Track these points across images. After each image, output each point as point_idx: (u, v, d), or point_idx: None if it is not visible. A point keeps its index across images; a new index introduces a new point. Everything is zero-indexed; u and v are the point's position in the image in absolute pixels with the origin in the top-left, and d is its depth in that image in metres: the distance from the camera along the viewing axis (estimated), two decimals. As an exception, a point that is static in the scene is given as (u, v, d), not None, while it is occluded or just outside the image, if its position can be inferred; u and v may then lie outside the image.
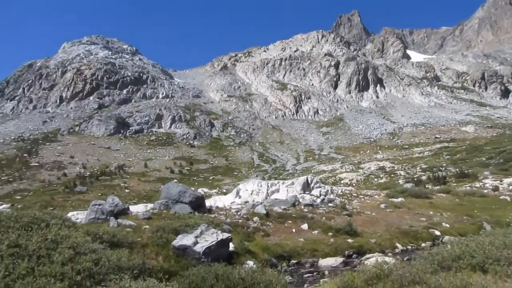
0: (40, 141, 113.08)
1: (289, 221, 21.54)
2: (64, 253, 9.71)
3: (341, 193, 34.54)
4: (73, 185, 70.69)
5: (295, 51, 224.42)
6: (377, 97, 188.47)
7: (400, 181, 57.11)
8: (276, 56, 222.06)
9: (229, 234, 14.59)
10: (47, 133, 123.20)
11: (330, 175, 74.33)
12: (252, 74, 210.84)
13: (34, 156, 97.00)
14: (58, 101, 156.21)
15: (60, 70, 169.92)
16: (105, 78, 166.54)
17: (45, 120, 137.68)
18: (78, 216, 17.95)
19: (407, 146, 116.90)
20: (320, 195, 30.02)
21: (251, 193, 31.56)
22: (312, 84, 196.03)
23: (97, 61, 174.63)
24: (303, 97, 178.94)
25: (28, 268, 8.80)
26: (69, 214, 17.46)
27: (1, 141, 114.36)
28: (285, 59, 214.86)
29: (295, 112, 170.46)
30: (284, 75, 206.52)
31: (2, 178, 76.67)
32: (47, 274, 8.75)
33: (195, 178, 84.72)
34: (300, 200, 27.09)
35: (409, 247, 20.44)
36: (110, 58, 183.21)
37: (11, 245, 9.50)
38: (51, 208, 35.02)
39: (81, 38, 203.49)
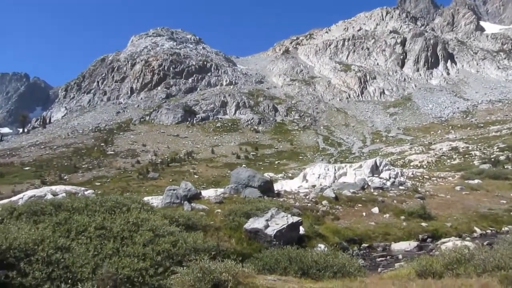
0: (114, 131, 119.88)
1: (359, 205, 21.20)
2: (145, 235, 10.28)
3: (411, 176, 33.33)
4: (146, 171, 74.29)
5: (358, 31, 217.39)
6: (448, 73, 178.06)
7: (476, 162, 53.93)
8: (338, 36, 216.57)
9: (299, 218, 14.65)
10: (120, 123, 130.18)
11: (399, 157, 71.89)
12: (314, 56, 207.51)
13: (110, 145, 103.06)
14: (129, 92, 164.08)
15: (129, 62, 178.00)
16: (171, 68, 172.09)
17: (118, 111, 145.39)
18: (153, 201, 18.81)
19: (482, 125, 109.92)
20: (390, 178, 29.12)
21: (318, 177, 31.34)
22: (377, 64, 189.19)
23: (163, 52, 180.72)
24: (368, 77, 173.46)
25: (113, 248, 9.42)
26: (145, 199, 18.34)
27: (81, 131, 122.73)
28: (348, 39, 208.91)
29: (360, 93, 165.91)
30: (348, 56, 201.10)
31: (83, 166, 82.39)
32: (130, 254, 9.32)
33: (260, 163, 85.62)
34: (369, 183, 26.50)
35: (488, 231, 19.34)
36: (175, 49, 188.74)
37: (97, 227, 10.22)
38: (128, 194, 37.15)
39: (148, 31, 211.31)
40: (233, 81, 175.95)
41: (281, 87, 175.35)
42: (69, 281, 7.86)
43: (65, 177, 72.72)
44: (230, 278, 7.41)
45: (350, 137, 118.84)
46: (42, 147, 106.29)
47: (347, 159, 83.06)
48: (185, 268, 8.03)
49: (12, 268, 7.95)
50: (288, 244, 11.33)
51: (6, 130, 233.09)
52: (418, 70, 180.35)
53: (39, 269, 7.97)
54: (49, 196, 14.13)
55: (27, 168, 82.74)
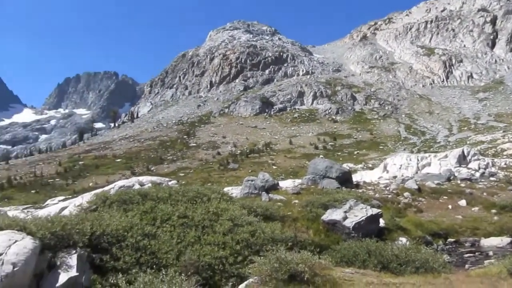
0: (196, 124, 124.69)
1: (444, 197, 20.08)
2: (224, 224, 10.64)
3: (504, 166, 30.79)
4: (226, 162, 76.39)
5: (442, 11, 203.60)
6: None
7: None
8: (420, 19, 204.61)
9: (379, 210, 14.23)
10: (201, 116, 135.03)
11: (490, 146, 66.56)
12: (394, 41, 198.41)
13: (192, 137, 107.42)
14: (208, 86, 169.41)
15: (208, 57, 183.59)
16: (248, 61, 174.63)
17: (199, 104, 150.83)
18: (233, 191, 19.34)
19: None
20: (479, 168, 27.20)
21: (400, 168, 30.16)
22: (464, 46, 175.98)
23: (240, 45, 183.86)
24: (453, 61, 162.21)
25: (195, 236, 9.87)
26: (225, 189, 18.88)
27: (165, 125, 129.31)
28: (431, 21, 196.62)
29: (445, 78, 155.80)
30: (431, 39, 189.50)
31: (168, 158, 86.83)
32: (211, 242, 9.71)
33: (339, 153, 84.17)
34: (456, 174, 24.97)
35: None
36: (252, 41, 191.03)
37: (180, 216, 10.77)
38: (209, 184, 38.52)
39: (225, 25, 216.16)
40: (310, 71, 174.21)
41: (360, 75, 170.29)
42: (155, 266, 8.38)
43: (152, 168, 77.18)
44: (307, 270, 7.41)
45: (434, 125, 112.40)
46: (131, 140, 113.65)
47: (431, 149, 78.72)
48: (262, 257, 8.16)
49: (105, 252, 8.65)
50: (367, 237, 11.08)
51: (99, 125, 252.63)
52: (511, 51, 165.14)
53: (129, 254, 8.59)
54: (137, 186, 15.14)
55: (118, 160, 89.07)
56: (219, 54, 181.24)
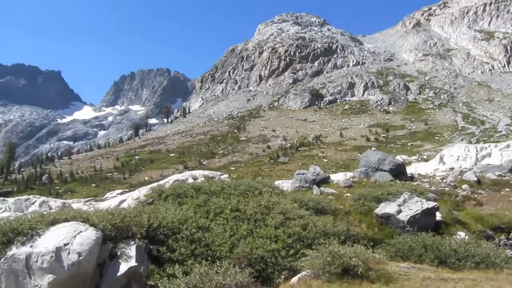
0: (246, 118, 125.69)
1: (506, 189, 19.05)
2: (276, 217, 10.72)
3: None
4: (276, 156, 76.52)
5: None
6: None
7: None
8: (477, 2, 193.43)
9: (435, 203, 13.75)
10: (251, 110, 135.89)
11: (559, 134, 62.18)
12: (450, 27, 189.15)
13: (242, 131, 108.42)
14: (258, 80, 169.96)
15: (257, 51, 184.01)
16: (297, 53, 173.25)
17: (249, 99, 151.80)
18: (283, 184, 19.39)
19: None
20: (546, 158, 25.48)
21: (457, 159, 28.88)
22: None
23: (288, 38, 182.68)
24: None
25: (247, 229, 10.02)
26: (276, 183, 18.96)
27: (216, 120, 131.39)
28: (490, 3, 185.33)
29: (506, 63, 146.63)
30: (490, 22, 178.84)
31: (219, 152, 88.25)
32: (263, 235, 9.82)
33: (391, 145, 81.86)
34: (520, 165, 23.54)
35: None
36: (300, 33, 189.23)
37: (233, 209, 10.97)
38: (260, 178, 38.85)
39: (273, 18, 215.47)
40: (360, 61, 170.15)
41: (413, 64, 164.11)
42: (209, 258, 8.60)
43: (204, 162, 78.81)
44: (360, 264, 7.33)
45: (494, 114, 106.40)
46: (184, 135, 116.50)
47: (491, 139, 74.71)
48: (315, 251, 8.15)
49: (162, 244, 9.00)
50: (422, 231, 10.76)
51: (153, 120, 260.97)
52: None
53: (184, 246, 8.88)
54: (190, 180, 15.55)
55: (172, 154, 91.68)
56: (268, 48, 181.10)
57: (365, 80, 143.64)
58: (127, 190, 53.37)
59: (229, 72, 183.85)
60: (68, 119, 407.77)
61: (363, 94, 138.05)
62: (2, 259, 7.69)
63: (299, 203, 12.61)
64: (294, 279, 7.92)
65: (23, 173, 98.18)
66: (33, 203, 26.17)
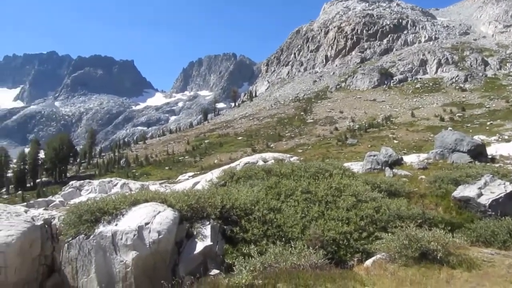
0: (312, 100, 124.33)
1: None
2: (348, 200, 10.59)
3: None
4: (344, 138, 75.19)
5: None
6: None
7: None
8: None
9: (521, 186, 12.79)
10: (317, 92, 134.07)
11: None
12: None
13: (309, 113, 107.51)
14: (324, 60, 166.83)
15: (323, 31, 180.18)
16: (364, 31, 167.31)
17: (315, 80, 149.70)
18: (352, 166, 19.03)
19: None
20: None
21: (546, 138, 26.60)
22: None
23: (355, 16, 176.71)
24: None
25: (319, 211, 10.00)
26: (345, 165, 18.64)
27: (282, 102, 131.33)
28: None
29: None
30: None
31: (286, 134, 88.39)
32: (334, 218, 9.76)
33: (468, 124, 77.04)
34: None
35: None
36: (368, 10, 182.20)
37: (303, 191, 10.98)
38: (328, 160, 38.43)
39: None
40: (433, 36, 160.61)
41: (492, 37, 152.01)
42: (282, 239, 8.70)
43: (271, 145, 79.41)
44: (440, 248, 7.05)
45: None
46: (251, 118, 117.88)
47: None
48: (390, 234, 7.96)
49: (235, 225, 9.26)
50: (506, 216, 10.09)
51: (221, 105, 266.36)
52: None
53: (257, 226, 9.06)
54: (260, 163, 15.75)
55: (240, 137, 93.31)
56: (334, 27, 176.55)
57: (438, 57, 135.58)
58: (198, 172, 55.33)
59: (295, 54, 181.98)
60: (141, 106, 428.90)
61: (436, 72, 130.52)
62: (92, 236, 8.34)
63: (371, 185, 12.34)
64: (369, 262, 7.81)
65: (103, 157, 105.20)
66: (115, 185, 28.11)
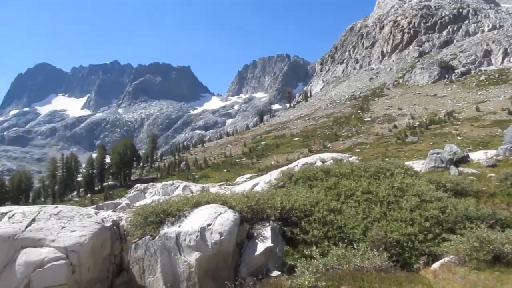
0: (369, 97, 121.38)
1: None
2: (411, 200, 10.22)
3: None
4: (404, 135, 72.66)
5: None
6: None
7: None
8: None
9: None
10: (374, 89, 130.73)
11: None
12: None
13: (366, 112, 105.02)
14: (380, 56, 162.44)
15: (377, 26, 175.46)
16: (421, 24, 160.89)
17: (371, 77, 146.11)
18: (413, 165, 18.32)
19: None
20: None
21: None
22: None
23: (411, 8, 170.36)
24: None
25: (381, 212, 9.75)
26: (406, 164, 18.01)
27: (338, 101, 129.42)
28: None
29: None
30: None
31: (343, 134, 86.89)
32: (397, 219, 9.46)
33: (542, 117, 71.75)
34: None
35: None
36: (424, 2, 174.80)
37: (364, 191, 10.75)
38: (387, 159, 37.17)
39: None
40: (497, 25, 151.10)
41: None
42: (343, 240, 8.57)
43: (328, 145, 78.40)
44: (515, 251, 6.64)
45: None
46: (306, 119, 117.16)
47: None
48: (458, 236, 7.60)
49: (295, 226, 9.25)
50: None
51: (276, 106, 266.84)
52: None
53: (317, 228, 9.00)
54: (319, 163, 15.60)
55: (296, 138, 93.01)
56: (389, 22, 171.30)
57: (504, 46, 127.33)
58: (255, 174, 55.80)
59: (349, 51, 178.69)
60: (199, 110, 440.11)
61: (502, 62, 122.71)
62: (157, 237, 8.67)
63: (435, 185, 11.84)
64: (436, 265, 7.49)
65: (164, 161, 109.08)
66: (177, 188, 29.08)
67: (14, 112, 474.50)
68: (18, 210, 9.79)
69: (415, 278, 6.55)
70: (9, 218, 9.33)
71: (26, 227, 8.91)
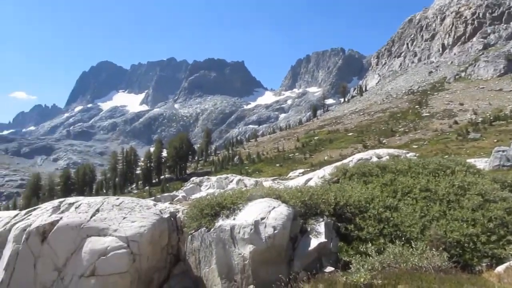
0: (428, 92, 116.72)
1: None
2: (473, 199, 9.73)
3: None
4: (466, 132, 69.34)
5: None
6: None
7: None
8: None
9: None
10: (433, 83, 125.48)
11: None
12: None
13: (425, 107, 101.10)
14: (440, 49, 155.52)
15: (438, 17, 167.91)
16: (487, 15, 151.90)
17: (431, 71, 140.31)
18: (476, 163, 17.48)
19: None
20: None
21: None
22: None
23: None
24: None
25: (440, 211, 9.37)
26: (467, 162, 17.24)
27: (394, 96, 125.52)
28: None
29: None
30: None
31: (399, 130, 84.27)
32: (458, 218, 9.05)
33: None
34: None
35: None
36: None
37: (422, 189, 10.37)
38: (447, 156, 35.58)
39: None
40: None
41: None
42: (400, 238, 8.33)
43: (383, 141, 76.37)
44: None
45: None
46: (361, 113, 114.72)
47: None
48: (526, 238, 7.18)
49: (349, 222, 9.11)
50: None
51: (330, 101, 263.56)
52: None
53: (372, 225, 8.82)
54: (374, 159, 15.26)
55: (350, 133, 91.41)
56: (451, 12, 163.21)
57: None
58: (308, 169, 55.47)
59: (407, 44, 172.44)
60: (252, 105, 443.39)
61: None
62: (212, 229, 8.89)
63: (500, 184, 11.20)
64: (501, 268, 7.11)
65: (218, 155, 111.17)
66: (231, 181, 29.62)
67: (78, 108, 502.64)
68: (83, 201, 10.39)
69: (478, 280, 6.26)
70: (76, 208, 9.93)
71: (91, 217, 9.44)
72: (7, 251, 9.04)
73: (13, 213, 11.14)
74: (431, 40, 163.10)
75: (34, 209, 10.49)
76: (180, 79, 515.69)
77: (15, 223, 9.70)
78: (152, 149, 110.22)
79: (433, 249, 7.03)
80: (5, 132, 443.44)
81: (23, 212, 10.52)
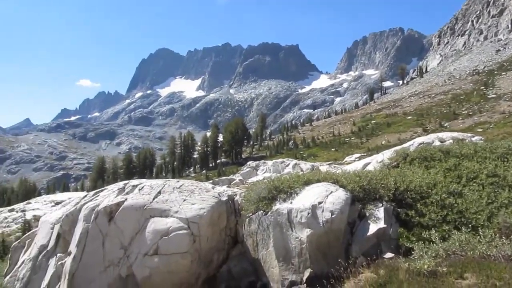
0: (495, 72, 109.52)
1: None
2: (548, 186, 9.11)
3: None
4: (538, 114, 64.63)
5: None
6: None
7: None
8: None
9: None
10: (501, 62, 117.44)
11: None
12: None
13: (491, 88, 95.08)
14: (509, 26, 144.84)
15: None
16: None
17: (498, 49, 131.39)
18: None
19: None
20: None
21: None
22: None
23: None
24: None
25: (509, 198, 8.85)
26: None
27: (457, 77, 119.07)
28: None
29: None
30: None
31: (463, 112, 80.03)
32: (531, 207, 8.51)
33: None
34: None
35: None
36: None
37: (489, 174, 9.83)
38: (517, 140, 33.32)
39: None
40: None
41: None
42: (468, 226, 7.95)
43: (445, 124, 72.95)
44: None
45: None
46: (421, 96, 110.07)
47: None
48: None
49: (409, 208, 8.83)
50: None
51: (388, 83, 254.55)
52: None
53: (434, 211, 8.49)
54: (437, 143, 14.59)
55: (409, 117, 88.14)
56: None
57: None
58: (365, 154, 54.33)
59: (472, 21, 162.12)
60: (307, 88, 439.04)
61: None
62: (269, 213, 8.96)
63: None
64: None
65: (273, 139, 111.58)
66: (287, 165, 29.68)
67: (139, 94, 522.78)
68: (146, 183, 10.84)
69: (552, 271, 5.86)
70: (139, 190, 10.38)
71: (154, 199, 9.85)
72: (78, 229, 9.64)
73: (82, 194, 11.86)
74: (499, 16, 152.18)
75: (101, 190, 11.10)
76: (235, 64, 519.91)
77: (84, 203, 10.31)
78: (208, 134, 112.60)
79: (503, 237, 6.65)
80: (73, 118, 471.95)
81: (92, 193, 11.14)
